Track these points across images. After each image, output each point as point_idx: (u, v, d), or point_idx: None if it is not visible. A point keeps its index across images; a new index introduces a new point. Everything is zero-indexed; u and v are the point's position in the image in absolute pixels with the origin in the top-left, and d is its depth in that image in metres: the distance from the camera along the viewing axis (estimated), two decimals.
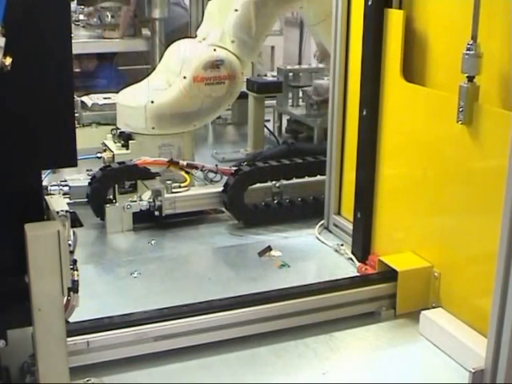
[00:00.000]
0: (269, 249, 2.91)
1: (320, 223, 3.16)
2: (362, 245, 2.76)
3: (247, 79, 4.15)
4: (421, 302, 2.42)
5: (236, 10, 3.49)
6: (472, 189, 2.22)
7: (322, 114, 3.90)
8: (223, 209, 3.24)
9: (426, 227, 2.47)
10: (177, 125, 3.44)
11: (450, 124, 2.23)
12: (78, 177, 3.32)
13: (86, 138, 3.40)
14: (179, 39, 3.70)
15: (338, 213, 3.10)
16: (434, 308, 2.37)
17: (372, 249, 2.76)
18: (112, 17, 5.28)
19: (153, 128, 3.38)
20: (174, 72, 3.47)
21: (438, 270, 2.40)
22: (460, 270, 2.31)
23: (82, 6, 5.49)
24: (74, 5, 5.37)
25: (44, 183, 2.61)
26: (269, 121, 4.54)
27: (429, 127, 2.41)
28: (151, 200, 3.08)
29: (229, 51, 3.49)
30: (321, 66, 4.41)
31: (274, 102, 4.58)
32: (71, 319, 1.79)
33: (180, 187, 3.17)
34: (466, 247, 2.27)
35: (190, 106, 3.43)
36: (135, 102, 3.41)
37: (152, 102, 3.37)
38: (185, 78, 3.40)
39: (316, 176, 3.31)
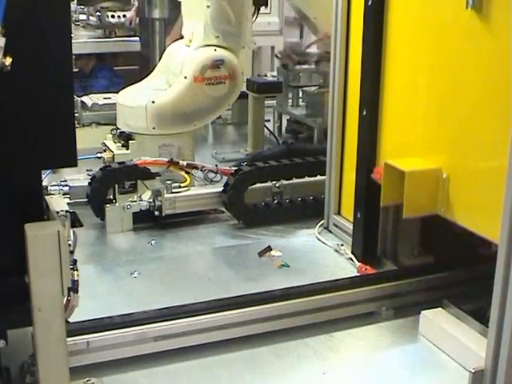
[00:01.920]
0: (269, 249, 2.91)
1: (320, 223, 3.16)
2: (362, 245, 2.76)
3: (247, 79, 4.15)
4: (428, 205, 2.29)
5: (208, 7, 3.42)
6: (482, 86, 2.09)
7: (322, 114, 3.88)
8: (223, 209, 3.25)
9: (436, 132, 2.34)
10: (177, 125, 3.44)
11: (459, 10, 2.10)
12: (78, 177, 3.32)
13: (86, 138, 3.40)
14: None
15: (338, 213, 3.10)
16: (443, 211, 2.25)
17: (378, 160, 2.64)
18: (112, 17, 5.28)
19: (153, 128, 3.38)
20: (174, 72, 3.47)
21: (446, 172, 2.25)
22: (469, 173, 2.19)
23: (82, 6, 5.49)
24: (73, 5, 5.37)
25: (44, 183, 2.61)
26: (269, 121, 4.55)
27: (438, 14, 2.26)
28: (151, 200, 3.08)
29: (219, 47, 3.45)
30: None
31: (274, 102, 4.59)
32: (71, 319, 1.79)
33: (180, 187, 3.17)
34: (475, 150, 2.16)
35: (190, 106, 3.43)
36: (135, 102, 3.41)
37: (153, 102, 3.37)
38: (185, 78, 3.40)
39: (316, 176, 3.31)
